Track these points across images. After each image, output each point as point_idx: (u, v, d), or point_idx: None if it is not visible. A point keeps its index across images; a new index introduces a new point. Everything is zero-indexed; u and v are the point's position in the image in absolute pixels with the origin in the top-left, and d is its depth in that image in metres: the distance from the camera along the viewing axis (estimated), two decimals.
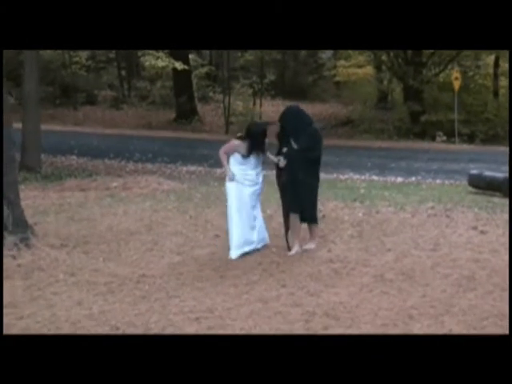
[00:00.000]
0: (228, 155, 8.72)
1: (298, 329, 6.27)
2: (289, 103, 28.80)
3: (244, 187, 8.70)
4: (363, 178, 16.02)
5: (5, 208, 8.57)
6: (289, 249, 8.80)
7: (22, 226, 8.83)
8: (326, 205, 11.80)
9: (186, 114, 28.96)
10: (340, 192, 13.44)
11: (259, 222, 8.92)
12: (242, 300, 7.10)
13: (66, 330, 6.25)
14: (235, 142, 8.71)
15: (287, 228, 8.93)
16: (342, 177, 16.13)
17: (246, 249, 8.69)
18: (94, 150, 20.49)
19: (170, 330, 6.22)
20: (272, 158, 8.76)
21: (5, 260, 8.24)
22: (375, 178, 16.15)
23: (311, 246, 8.95)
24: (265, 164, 9.05)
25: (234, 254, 8.58)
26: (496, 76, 28.25)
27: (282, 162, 8.63)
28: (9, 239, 8.49)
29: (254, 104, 30.30)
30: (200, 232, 10.00)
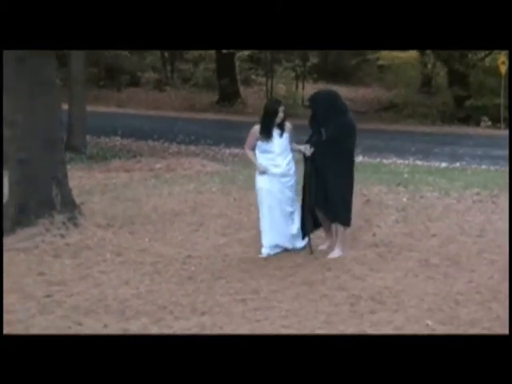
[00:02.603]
0: (253, 148, 8.12)
1: (344, 312, 6.29)
2: (332, 87, 28.78)
3: (275, 180, 8.02)
4: (407, 162, 15.92)
5: (53, 187, 8.69)
6: (311, 251, 8.04)
7: (70, 205, 8.95)
8: (371, 189, 11.78)
9: (229, 97, 28.99)
10: (384, 176, 13.38)
11: (296, 220, 8.19)
12: (287, 282, 7.14)
13: (114, 307, 6.36)
14: (255, 127, 8.08)
15: (309, 227, 8.13)
16: (385, 161, 16.05)
17: (278, 250, 8.12)
18: (137, 132, 20.63)
19: (216, 311, 6.29)
20: (297, 147, 8.07)
21: (53, 239, 8.40)
22: (419, 162, 16.05)
23: (335, 254, 7.98)
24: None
25: (265, 252, 8.06)
26: None
27: (309, 151, 7.87)
28: (57, 218, 8.61)
29: (297, 87, 30.21)
30: (244, 214, 10.04)
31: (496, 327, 5.90)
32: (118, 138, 19.56)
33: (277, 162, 8.02)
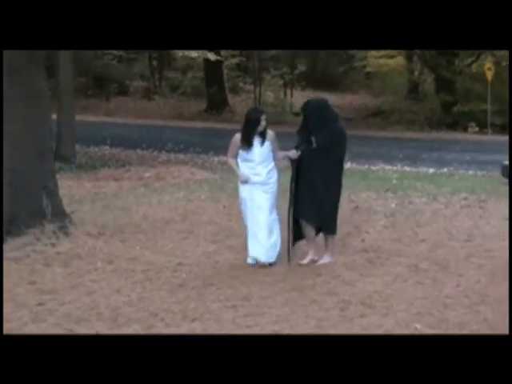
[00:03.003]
0: (235, 157, 8.07)
1: (334, 316, 6.36)
2: (319, 94, 28.89)
3: (255, 189, 7.96)
4: (395, 168, 16.04)
5: (44, 197, 8.73)
6: (289, 260, 7.95)
7: (61, 214, 8.99)
8: (359, 195, 11.88)
9: (217, 105, 29.10)
10: (372, 183, 13.49)
11: (277, 227, 8.07)
12: (278, 288, 7.20)
13: (106, 315, 6.40)
14: (236, 136, 8.02)
15: (291, 235, 8.03)
16: (373, 167, 16.16)
17: (263, 259, 7.95)
18: (126, 141, 20.68)
19: (206, 317, 6.34)
20: (284, 153, 8.03)
21: (44, 248, 8.43)
22: (407, 168, 16.17)
23: (326, 260, 7.99)
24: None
25: (250, 260, 8.05)
26: None
27: (294, 154, 7.86)
28: (48, 227, 8.64)
29: (285, 95, 30.34)
30: (234, 221, 10.09)
31: (484, 330, 5.98)
32: (107, 148, 19.59)
33: (257, 170, 7.95)
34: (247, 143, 7.89)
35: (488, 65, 24.14)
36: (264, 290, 7.10)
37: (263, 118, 7.93)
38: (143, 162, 16.92)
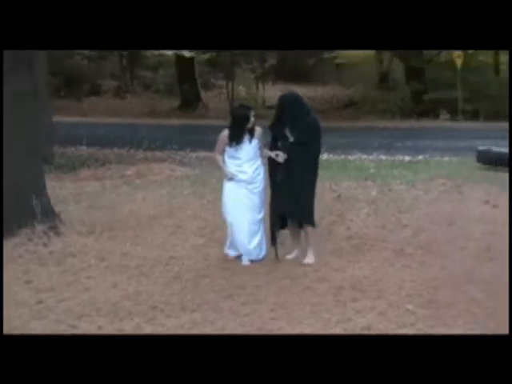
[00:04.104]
0: (222, 154, 8.02)
1: (328, 301, 6.58)
2: (290, 87, 29.03)
3: (240, 187, 7.90)
4: (371, 157, 16.24)
5: (33, 197, 8.84)
6: (276, 256, 7.92)
7: (50, 214, 9.12)
8: (340, 185, 12.08)
9: (191, 101, 29.14)
10: (351, 172, 13.69)
11: (261, 227, 8.04)
12: (270, 278, 7.40)
13: (106, 310, 6.57)
14: (224, 133, 7.94)
15: (273, 232, 8.00)
16: (350, 157, 16.36)
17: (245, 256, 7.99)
18: (102, 140, 20.66)
19: (204, 307, 6.54)
20: (269, 152, 7.89)
21: (36, 247, 8.55)
22: (383, 157, 16.38)
23: (310, 260, 7.90)
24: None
25: (245, 260, 7.97)
26: (497, 52, 28.41)
27: (282, 157, 7.75)
28: (38, 227, 8.77)
29: (257, 89, 30.47)
30: (218, 216, 10.09)
31: (473, 307, 6.24)
32: (83, 148, 19.53)
33: (243, 168, 7.90)
34: (236, 140, 7.83)
35: (457, 53, 24.47)
36: (257, 280, 7.30)
37: (252, 114, 7.89)
38: (122, 161, 16.96)
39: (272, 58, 33.86)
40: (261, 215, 8.01)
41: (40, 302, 6.85)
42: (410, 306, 6.34)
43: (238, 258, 8.02)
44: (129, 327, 6.10)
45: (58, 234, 8.90)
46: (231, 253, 8.15)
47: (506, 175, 12.59)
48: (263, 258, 8.01)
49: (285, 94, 8.33)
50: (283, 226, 8.16)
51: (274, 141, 7.96)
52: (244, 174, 7.90)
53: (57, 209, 10.19)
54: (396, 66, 31.00)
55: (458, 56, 24.34)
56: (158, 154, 18.30)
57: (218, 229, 9.47)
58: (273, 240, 8.00)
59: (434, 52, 27.81)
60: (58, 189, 13.06)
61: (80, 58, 31.43)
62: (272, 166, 7.92)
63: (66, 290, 7.21)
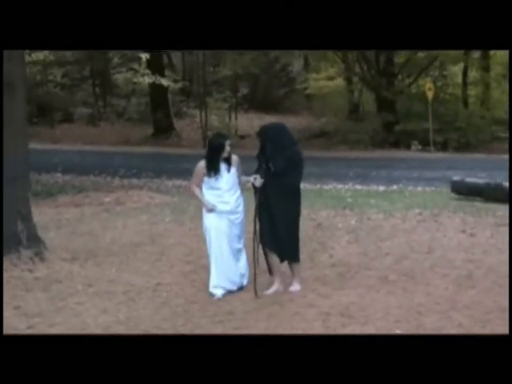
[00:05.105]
0: (200, 185, 7.93)
1: (317, 327, 6.69)
2: (262, 117, 29.26)
3: (222, 218, 7.82)
4: (347, 187, 16.44)
5: (19, 223, 8.89)
6: (255, 293, 7.66)
7: (35, 240, 9.16)
8: (318, 214, 12.26)
9: (164, 130, 29.33)
10: (328, 201, 13.88)
11: (243, 256, 8.03)
12: (258, 304, 7.49)
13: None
14: (200, 164, 7.88)
15: (269, 267, 7.94)
16: (325, 186, 16.54)
17: (229, 287, 7.86)
18: (77, 167, 20.72)
19: (198, 332, 6.60)
20: (246, 178, 7.90)
21: (22, 273, 8.58)
22: (358, 186, 16.59)
23: (296, 287, 7.89)
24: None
25: (218, 292, 7.78)
26: (465, 85, 29.05)
27: (258, 181, 7.69)
28: (24, 253, 8.81)
29: (230, 118, 30.74)
30: (202, 243, 10.17)
31: (461, 333, 6.39)
32: (58, 175, 19.59)
33: (225, 198, 7.82)
34: (214, 170, 7.77)
35: (428, 85, 24.98)
36: (246, 305, 7.40)
37: (227, 143, 7.85)
38: (99, 188, 16.98)
39: (244, 88, 34.27)
40: (241, 245, 8.01)
41: (31, 327, 6.88)
42: (398, 331, 6.47)
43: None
44: None
45: (43, 259, 8.96)
46: (218, 293, 7.79)
47: (480, 204, 12.92)
48: (245, 286, 7.94)
49: (266, 125, 8.29)
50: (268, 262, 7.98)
51: (258, 170, 7.89)
52: (226, 204, 7.83)
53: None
54: (367, 97, 31.49)
55: (429, 88, 24.84)
56: (134, 181, 18.38)
57: (203, 256, 9.47)
58: (254, 273, 7.85)
59: (406, 83, 28.37)
60: (38, 215, 12.94)
61: (52, 86, 31.46)
62: (256, 193, 7.82)
63: (55, 315, 7.25)
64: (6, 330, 6.73)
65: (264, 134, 7.99)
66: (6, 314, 7.25)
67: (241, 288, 7.96)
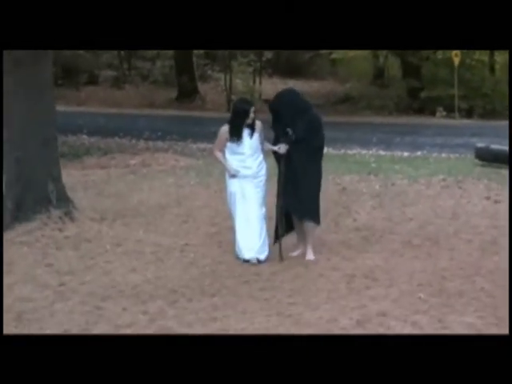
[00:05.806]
0: (223, 150, 7.94)
1: (342, 289, 6.83)
2: (286, 81, 29.19)
3: (246, 182, 7.81)
4: (371, 152, 16.46)
5: (49, 183, 9.05)
6: (281, 257, 7.75)
7: (65, 200, 9.31)
8: (343, 178, 12.33)
9: (188, 93, 29.33)
10: (352, 166, 13.93)
11: (264, 227, 7.90)
12: (284, 265, 7.64)
13: (128, 292, 6.80)
14: (223, 128, 7.87)
15: (277, 232, 7.93)
16: (350, 152, 16.59)
17: (252, 255, 7.77)
18: (102, 129, 20.84)
19: (224, 292, 6.77)
20: (270, 146, 7.88)
21: (52, 232, 8.75)
22: (382, 152, 16.61)
23: (310, 256, 7.81)
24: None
25: (247, 255, 7.76)
26: (492, 52, 28.72)
27: (283, 148, 7.69)
28: (54, 213, 8.97)
29: (254, 82, 30.68)
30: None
31: (482, 297, 6.51)
32: (84, 136, 19.74)
33: (247, 163, 7.80)
34: (237, 136, 7.76)
35: (455, 51, 24.75)
36: (272, 267, 7.55)
37: (252, 109, 7.79)
38: (124, 150, 17.13)
39: (268, 52, 34.09)
40: (264, 210, 7.96)
41: (62, 284, 7.07)
42: (421, 295, 6.58)
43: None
44: (152, 309, 6.32)
45: (72, 219, 9.09)
46: (247, 256, 7.76)
47: (505, 172, 12.89)
48: (266, 258, 7.83)
49: (279, 93, 8.21)
50: (288, 228, 8.05)
51: (276, 139, 7.90)
52: (248, 169, 7.83)
53: None
54: (392, 63, 31.28)
55: (455, 54, 24.61)
56: (159, 144, 18.49)
57: (228, 218, 9.66)
58: (276, 238, 7.92)
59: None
60: (65, 176, 13.12)
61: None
62: (280, 162, 7.84)
63: (86, 273, 7.43)
64: (39, 287, 6.98)
65: (278, 101, 7.92)
66: (38, 271, 7.48)
67: (265, 254, 7.84)
